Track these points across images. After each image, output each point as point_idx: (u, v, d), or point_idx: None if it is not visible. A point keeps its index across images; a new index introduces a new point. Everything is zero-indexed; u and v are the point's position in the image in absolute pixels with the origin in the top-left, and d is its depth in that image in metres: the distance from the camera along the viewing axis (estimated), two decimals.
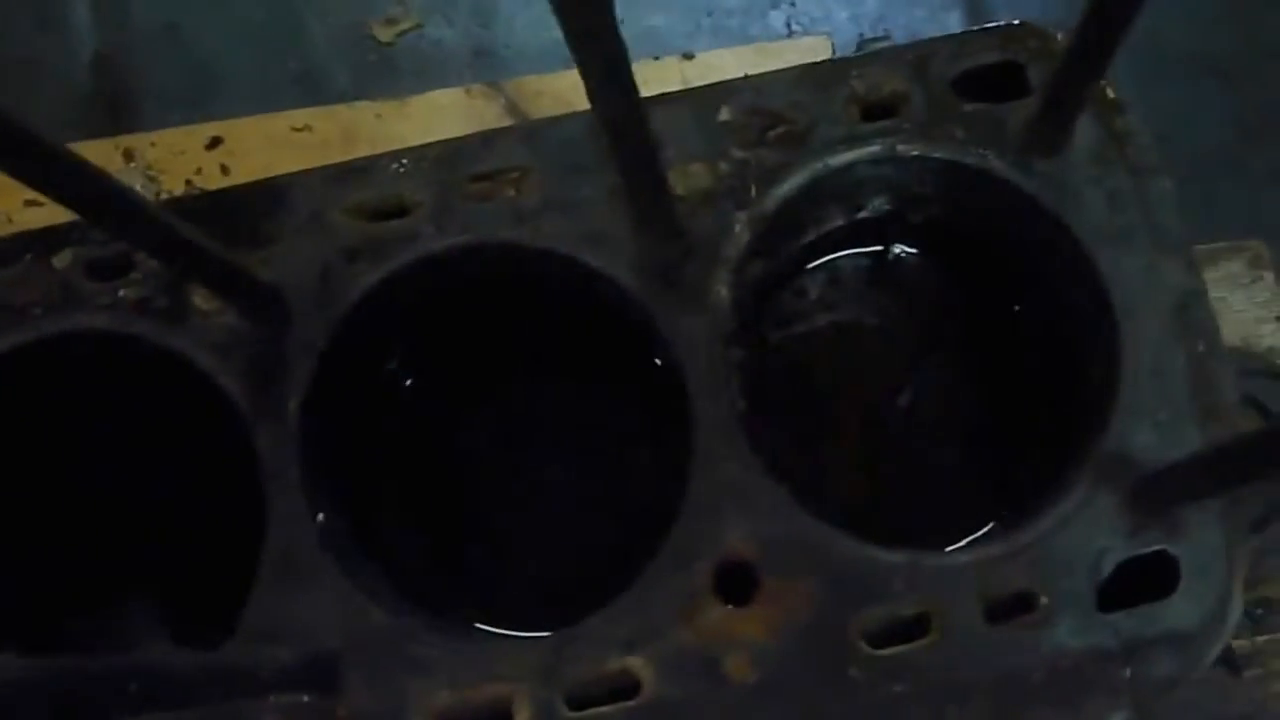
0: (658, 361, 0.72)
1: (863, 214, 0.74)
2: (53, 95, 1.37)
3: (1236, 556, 0.62)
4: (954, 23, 1.38)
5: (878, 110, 0.69)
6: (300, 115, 1.29)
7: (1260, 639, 1.01)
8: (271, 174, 0.82)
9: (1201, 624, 0.62)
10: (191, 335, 0.68)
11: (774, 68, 1.16)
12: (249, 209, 0.71)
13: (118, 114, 1.38)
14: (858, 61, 0.71)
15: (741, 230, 0.67)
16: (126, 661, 0.54)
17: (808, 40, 1.39)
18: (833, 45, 1.36)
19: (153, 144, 1.26)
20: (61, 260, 0.69)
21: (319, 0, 1.39)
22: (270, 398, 0.68)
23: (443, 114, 1.27)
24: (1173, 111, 1.30)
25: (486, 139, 0.71)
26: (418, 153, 0.71)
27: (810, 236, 0.74)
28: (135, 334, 0.68)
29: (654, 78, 1.28)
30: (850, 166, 0.68)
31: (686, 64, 1.33)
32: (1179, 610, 0.62)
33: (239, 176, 1.22)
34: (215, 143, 1.28)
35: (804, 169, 0.67)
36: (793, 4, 1.40)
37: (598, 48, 0.48)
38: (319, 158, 1.23)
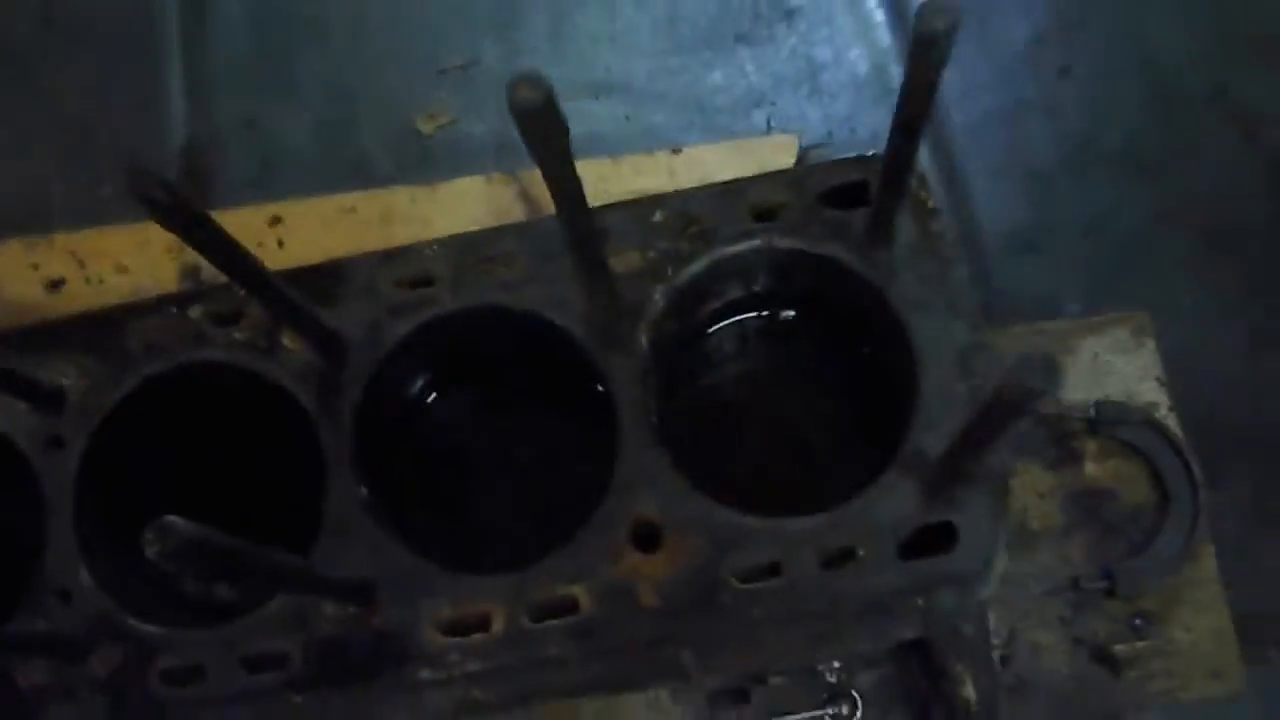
0: (599, 389, 0.98)
1: (754, 288, 1.02)
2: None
3: (999, 526, 0.89)
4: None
5: (765, 214, 0.98)
6: (348, 199, 1.55)
7: (1140, 644, 1.24)
8: (322, 248, 1.00)
9: (975, 570, 0.89)
10: (281, 365, 0.98)
11: (747, 162, 1.44)
12: (323, 279, 1.00)
13: (201, 192, 1.65)
14: (755, 180, 0.99)
15: (659, 298, 0.96)
16: (265, 552, 0.77)
17: (778, 138, 1.64)
18: (799, 143, 1.59)
19: (224, 220, 1.51)
20: (195, 312, 0.99)
21: (373, 99, 1.64)
22: (332, 408, 0.97)
23: (467, 199, 1.51)
24: (1101, 200, 1.54)
25: (493, 232, 1.01)
26: (445, 241, 1.00)
27: (716, 304, 1.02)
28: (242, 364, 0.97)
29: (645, 169, 1.51)
30: (741, 254, 0.97)
31: (674, 158, 1.54)
32: (958, 560, 0.88)
33: (294, 249, 1.49)
34: (275, 220, 1.54)
35: (708, 255, 0.96)
36: (774, 104, 1.62)
37: (561, 185, 0.77)
38: (363, 234, 1.49)
